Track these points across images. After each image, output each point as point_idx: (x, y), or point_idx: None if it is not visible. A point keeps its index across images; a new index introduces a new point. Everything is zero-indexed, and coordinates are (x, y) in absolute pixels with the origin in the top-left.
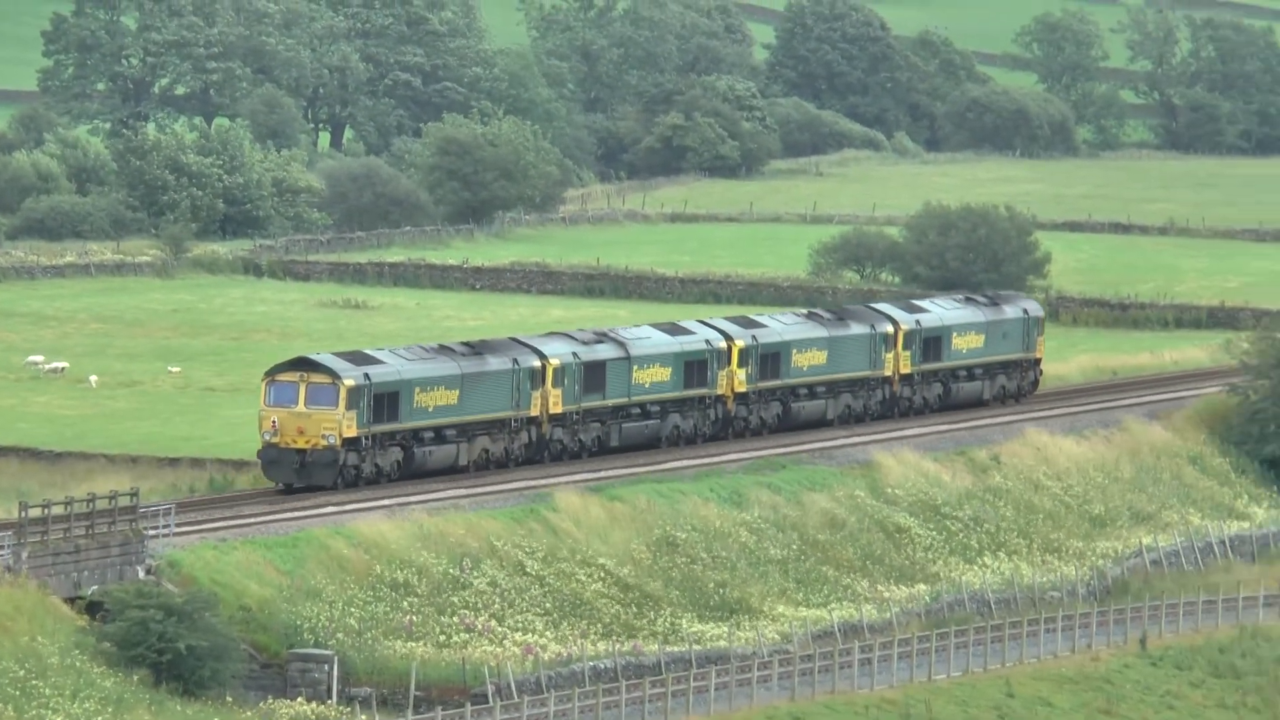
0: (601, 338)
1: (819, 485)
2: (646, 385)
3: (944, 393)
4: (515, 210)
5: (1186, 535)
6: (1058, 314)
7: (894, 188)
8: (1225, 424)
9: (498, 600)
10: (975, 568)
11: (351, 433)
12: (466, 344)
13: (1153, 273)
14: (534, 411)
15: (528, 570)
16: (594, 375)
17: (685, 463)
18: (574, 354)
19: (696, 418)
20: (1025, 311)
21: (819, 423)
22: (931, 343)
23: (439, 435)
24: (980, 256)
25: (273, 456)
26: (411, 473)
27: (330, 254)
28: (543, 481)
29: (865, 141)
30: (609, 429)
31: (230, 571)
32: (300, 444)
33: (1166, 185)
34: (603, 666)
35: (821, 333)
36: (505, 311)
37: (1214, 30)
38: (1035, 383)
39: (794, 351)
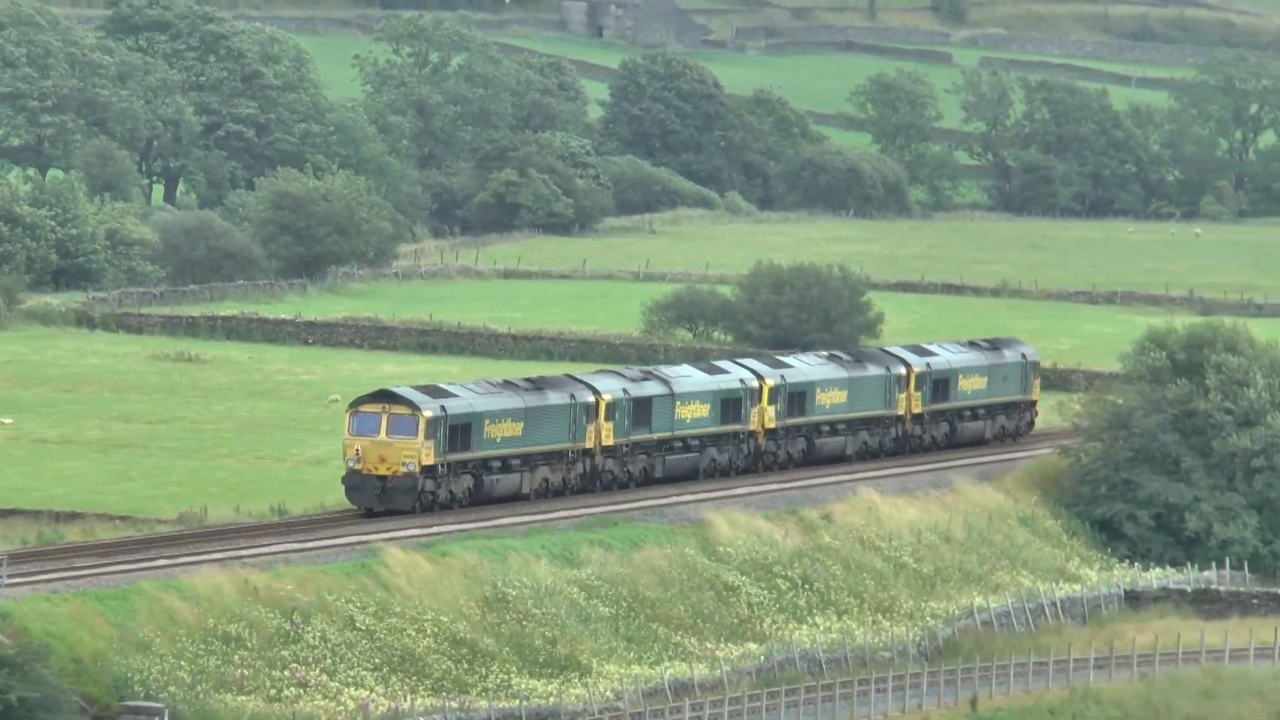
0: (648, 375)
1: (650, 543)
2: (688, 420)
3: (950, 431)
4: (348, 265)
5: (1018, 597)
6: None
7: (727, 246)
8: (1057, 486)
9: (329, 655)
10: (806, 627)
11: (430, 460)
12: (528, 380)
13: (985, 334)
14: (589, 444)
15: (359, 625)
16: (642, 410)
17: (515, 520)
18: (624, 390)
19: (731, 451)
20: (1024, 356)
21: (839, 458)
22: (940, 384)
23: (505, 465)
24: (813, 316)
25: (355, 482)
26: (481, 499)
27: (163, 307)
28: (373, 537)
29: (698, 200)
30: (654, 461)
31: (62, 623)
32: (382, 470)
33: (999, 247)
34: None
35: (842, 374)
36: (338, 366)
37: (1048, 92)
38: (1031, 423)
39: (818, 391)
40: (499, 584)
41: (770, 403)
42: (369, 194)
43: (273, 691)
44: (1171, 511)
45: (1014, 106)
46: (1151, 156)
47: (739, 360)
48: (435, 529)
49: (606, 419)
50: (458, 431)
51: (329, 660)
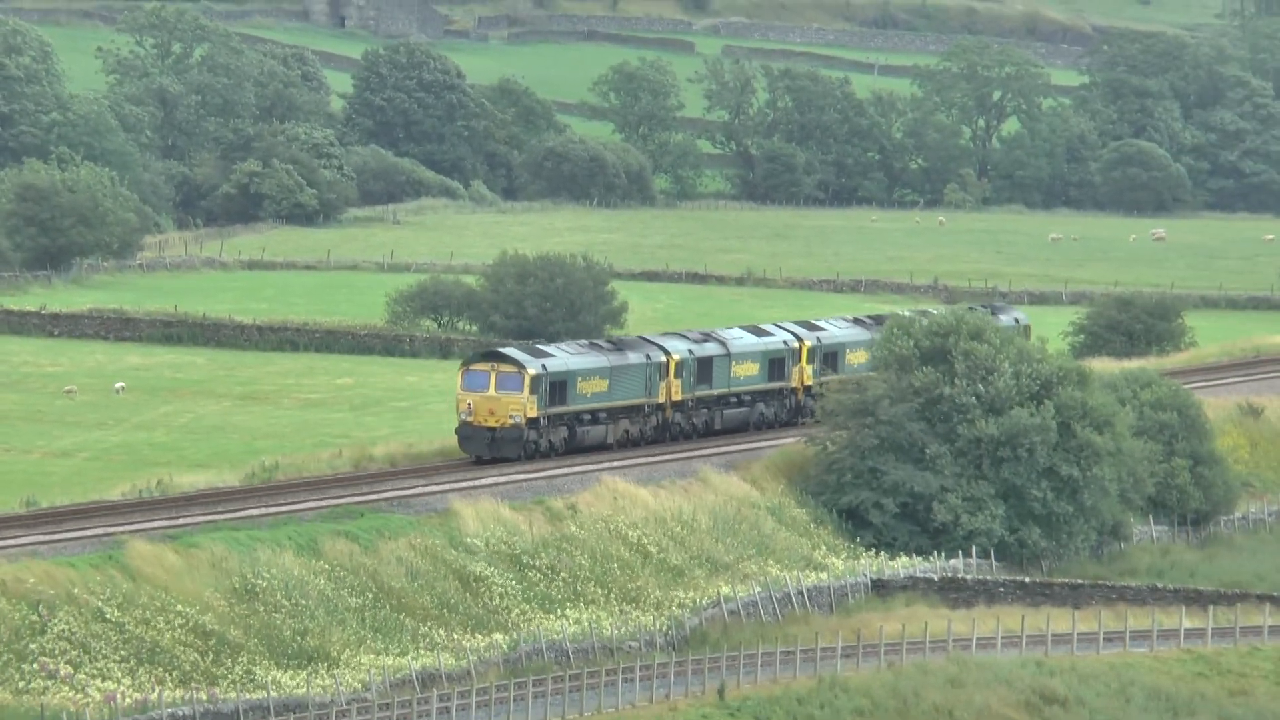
0: (707, 337)
1: (396, 533)
2: (741, 378)
3: None
4: (93, 257)
5: (765, 586)
6: None
7: (471, 236)
8: (803, 475)
9: (76, 647)
10: (554, 617)
11: (533, 413)
12: (610, 341)
13: (729, 323)
14: (661, 399)
15: (106, 617)
16: (704, 369)
17: (261, 511)
18: (690, 350)
19: (776, 406)
20: (1016, 320)
21: None
22: None
23: (594, 417)
24: (558, 305)
25: (468, 433)
26: (574, 448)
27: None
28: (119, 529)
29: (442, 190)
30: (714, 414)
31: None
32: (491, 423)
33: (743, 236)
34: (181, 714)
35: (866, 335)
36: (82, 358)
37: (791, 80)
38: None
39: (847, 351)
40: (248, 575)
41: (808, 362)
42: (113, 185)
43: (20, 684)
44: (918, 500)
45: (756, 95)
46: (895, 144)
47: (780, 324)
48: (181, 520)
49: (676, 376)
50: (556, 388)
51: (76, 653)
